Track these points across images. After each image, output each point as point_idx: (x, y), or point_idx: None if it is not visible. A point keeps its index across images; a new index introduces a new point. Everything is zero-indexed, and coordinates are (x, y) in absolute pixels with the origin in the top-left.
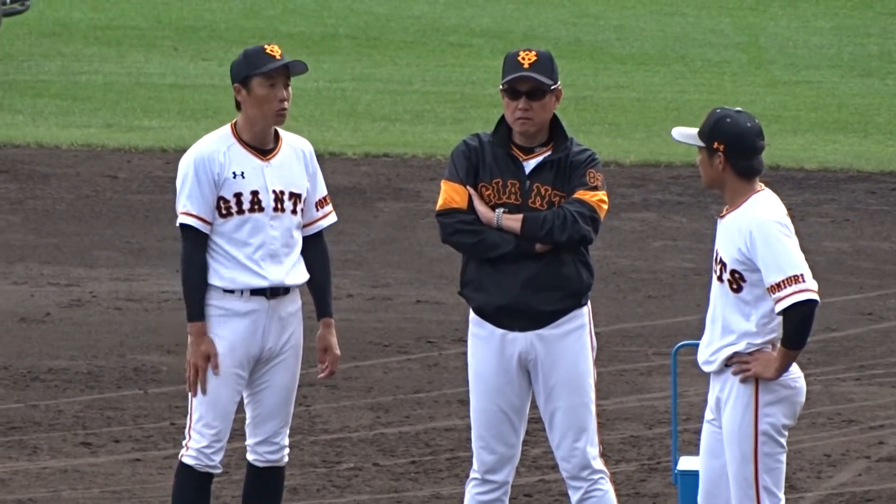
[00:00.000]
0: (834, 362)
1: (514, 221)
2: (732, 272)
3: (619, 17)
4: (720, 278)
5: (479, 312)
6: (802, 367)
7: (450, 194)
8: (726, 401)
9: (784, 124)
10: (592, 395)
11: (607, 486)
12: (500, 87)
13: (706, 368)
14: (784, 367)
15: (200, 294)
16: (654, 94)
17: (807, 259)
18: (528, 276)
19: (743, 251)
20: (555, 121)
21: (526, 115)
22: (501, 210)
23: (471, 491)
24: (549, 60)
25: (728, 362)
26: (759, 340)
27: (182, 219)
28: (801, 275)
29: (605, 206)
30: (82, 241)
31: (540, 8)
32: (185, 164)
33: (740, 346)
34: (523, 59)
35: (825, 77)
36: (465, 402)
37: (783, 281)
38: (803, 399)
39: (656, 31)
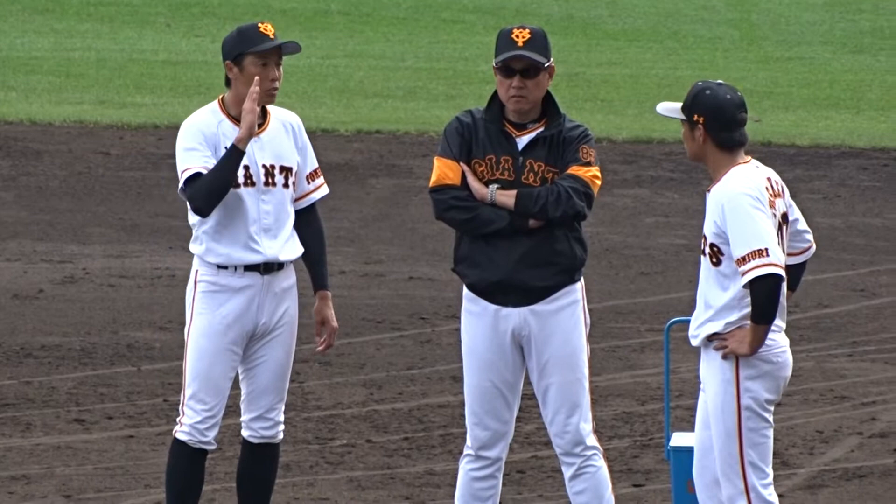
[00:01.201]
0: (826, 339)
1: (507, 197)
2: (711, 245)
3: None
4: (703, 252)
5: (472, 288)
6: (794, 344)
7: (443, 170)
8: (709, 377)
9: (776, 100)
10: (586, 371)
11: (600, 463)
12: (494, 64)
13: (692, 342)
14: (757, 342)
15: (213, 166)
16: (647, 70)
17: None
18: (522, 252)
19: (718, 224)
20: (548, 97)
21: (520, 93)
22: (495, 186)
23: (464, 467)
24: (543, 38)
25: (710, 339)
26: (735, 315)
27: (187, 173)
28: (766, 249)
29: (599, 182)
30: (75, 218)
31: None
32: (185, 134)
33: (719, 324)
34: (517, 36)
35: (817, 53)
36: (458, 379)
37: (748, 254)
38: (788, 373)
39: (648, 8)
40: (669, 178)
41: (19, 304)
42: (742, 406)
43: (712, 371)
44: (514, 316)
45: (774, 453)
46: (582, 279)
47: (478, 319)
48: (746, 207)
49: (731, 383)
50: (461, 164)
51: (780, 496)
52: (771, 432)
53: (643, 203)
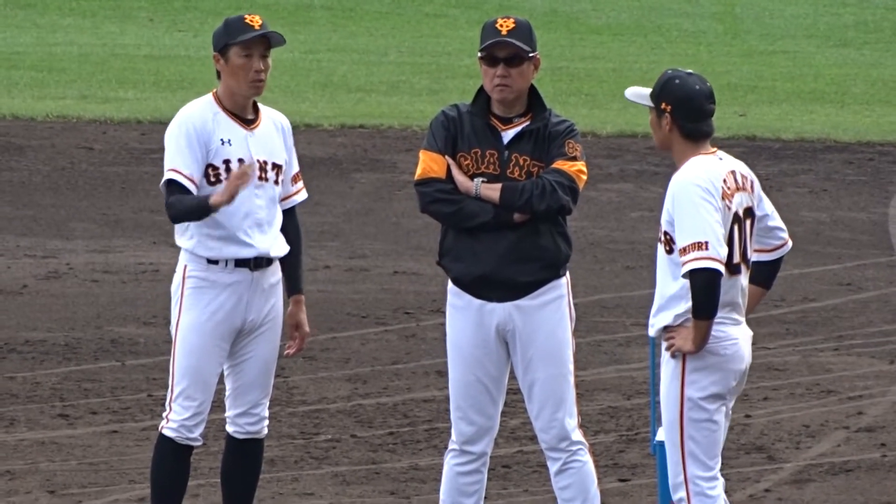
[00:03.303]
0: (812, 333)
1: (492, 191)
2: (665, 233)
3: None
4: (659, 239)
5: (456, 283)
6: (780, 338)
7: (428, 164)
8: (662, 366)
9: (760, 94)
10: (571, 367)
11: (586, 458)
12: (479, 54)
13: (649, 332)
14: (701, 339)
15: (194, 201)
16: (630, 64)
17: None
18: (506, 247)
19: (670, 212)
20: (533, 91)
21: (504, 81)
22: (480, 179)
23: (449, 462)
24: (528, 28)
25: (661, 333)
26: (684, 305)
27: (169, 174)
28: (706, 242)
29: (584, 177)
30: (58, 213)
31: None
32: (176, 127)
33: (669, 315)
34: (501, 26)
35: (801, 47)
36: (442, 374)
37: (688, 245)
38: (740, 366)
39: (632, 1)
40: (654, 172)
41: (3, 299)
42: (685, 396)
43: (664, 360)
44: (498, 311)
45: (760, 448)
46: (567, 274)
47: (462, 314)
48: (694, 198)
49: (678, 375)
50: (446, 157)
51: (766, 491)
52: (718, 427)
53: (628, 197)
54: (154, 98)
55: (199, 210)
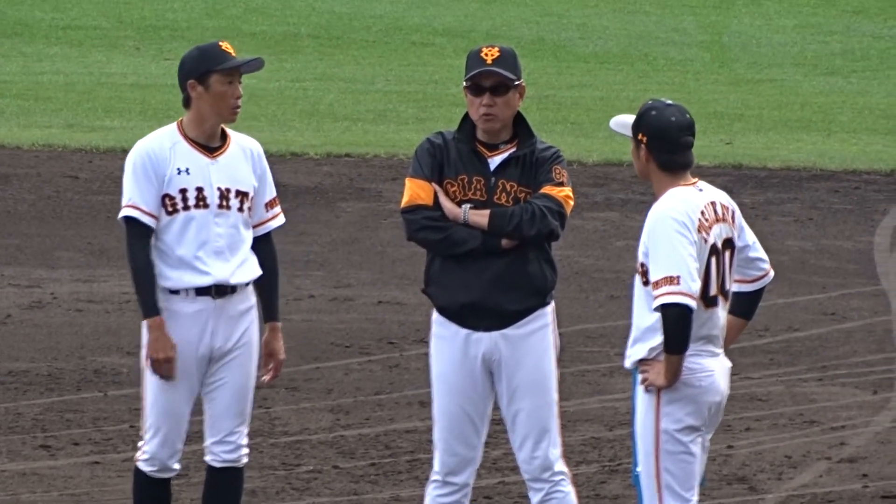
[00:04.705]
0: (796, 362)
1: (480, 217)
2: (642, 264)
3: (581, 16)
4: (637, 270)
5: (442, 311)
6: (764, 367)
7: (415, 191)
8: (637, 397)
9: (747, 123)
10: (555, 396)
11: (568, 488)
12: (464, 83)
13: (625, 364)
14: (672, 374)
15: (152, 288)
16: (617, 92)
17: (770, 258)
18: (493, 274)
19: (646, 243)
20: (519, 118)
21: (490, 111)
22: (468, 206)
23: (431, 493)
24: (513, 56)
25: (637, 366)
26: (658, 338)
27: (126, 211)
28: (678, 277)
29: (572, 202)
30: (43, 242)
31: (503, 7)
32: (132, 159)
33: (644, 348)
34: (486, 54)
35: (788, 75)
36: (425, 404)
37: (660, 279)
38: (715, 398)
39: (619, 30)
40: (640, 200)
41: None
42: (661, 429)
43: (638, 392)
44: (485, 340)
45: (742, 478)
46: (553, 302)
47: (448, 344)
48: (669, 231)
49: (652, 406)
50: (433, 184)
51: None
52: (694, 459)
53: (613, 226)
54: (140, 127)
55: (141, 303)
